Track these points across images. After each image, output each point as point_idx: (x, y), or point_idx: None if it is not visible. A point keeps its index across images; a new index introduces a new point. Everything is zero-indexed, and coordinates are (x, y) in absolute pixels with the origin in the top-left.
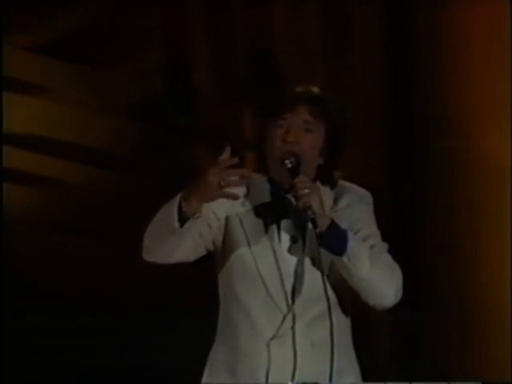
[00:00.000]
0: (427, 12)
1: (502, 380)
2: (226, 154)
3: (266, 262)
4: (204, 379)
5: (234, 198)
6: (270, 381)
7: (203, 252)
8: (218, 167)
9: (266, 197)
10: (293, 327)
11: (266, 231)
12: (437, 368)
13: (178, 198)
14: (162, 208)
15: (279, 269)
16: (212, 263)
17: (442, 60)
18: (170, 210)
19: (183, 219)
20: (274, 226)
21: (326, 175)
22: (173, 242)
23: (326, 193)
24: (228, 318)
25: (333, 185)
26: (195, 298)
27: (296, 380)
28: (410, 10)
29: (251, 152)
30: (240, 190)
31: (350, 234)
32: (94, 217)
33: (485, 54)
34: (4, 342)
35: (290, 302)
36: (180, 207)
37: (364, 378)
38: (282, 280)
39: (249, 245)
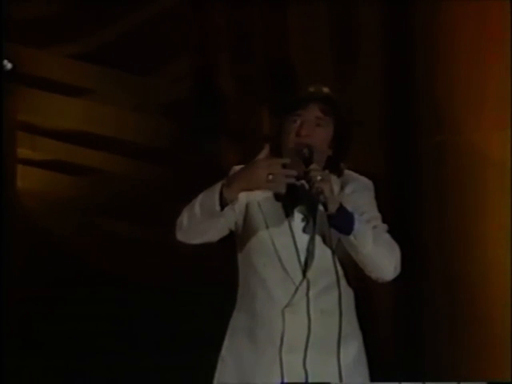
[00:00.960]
0: (421, 11)
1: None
2: (279, 161)
3: (281, 240)
4: (225, 342)
5: (278, 191)
6: (284, 344)
7: (226, 232)
8: (267, 161)
9: None
10: (307, 296)
11: (282, 213)
12: (431, 333)
13: (219, 185)
14: (203, 193)
15: (293, 245)
16: (232, 242)
17: (434, 59)
18: (212, 195)
19: (223, 204)
20: (289, 209)
21: (334, 165)
22: (209, 224)
23: (334, 180)
24: (247, 288)
25: (340, 174)
26: (217, 272)
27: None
28: (404, 11)
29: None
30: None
31: (356, 216)
32: (132, 203)
33: (475, 52)
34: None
35: (302, 274)
36: (221, 193)
37: (366, 344)
38: (295, 255)
39: (266, 225)
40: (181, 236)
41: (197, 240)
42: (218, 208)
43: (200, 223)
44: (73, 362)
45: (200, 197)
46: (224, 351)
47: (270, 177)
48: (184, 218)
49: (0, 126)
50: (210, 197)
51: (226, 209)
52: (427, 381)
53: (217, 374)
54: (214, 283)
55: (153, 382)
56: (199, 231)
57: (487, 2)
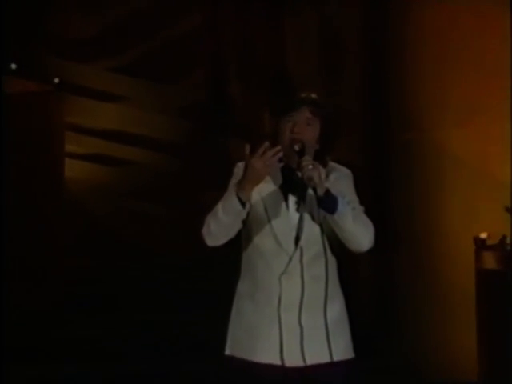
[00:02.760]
0: (392, 27)
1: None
2: (263, 148)
3: (277, 219)
4: (234, 304)
5: (275, 166)
6: (281, 304)
7: (242, 225)
8: (256, 156)
9: (277, 172)
10: (300, 263)
11: (279, 197)
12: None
13: (232, 191)
14: (221, 203)
15: (287, 223)
16: None
17: (403, 69)
18: (232, 200)
19: (242, 203)
20: (285, 193)
21: (321, 157)
22: (234, 223)
23: (321, 170)
24: (249, 261)
25: (325, 164)
26: (226, 249)
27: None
28: (377, 27)
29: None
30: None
31: (339, 199)
32: (158, 189)
33: (438, 59)
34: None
35: (294, 245)
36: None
37: (347, 305)
38: (289, 231)
39: (265, 207)
40: (211, 241)
41: (223, 240)
42: (240, 208)
43: (227, 225)
44: (117, 313)
45: (220, 207)
46: (233, 312)
47: (267, 162)
48: (211, 227)
49: (2, 124)
50: (231, 202)
51: (246, 206)
52: (398, 332)
53: (229, 331)
54: (224, 255)
55: (175, 334)
56: (226, 232)
57: (450, 9)
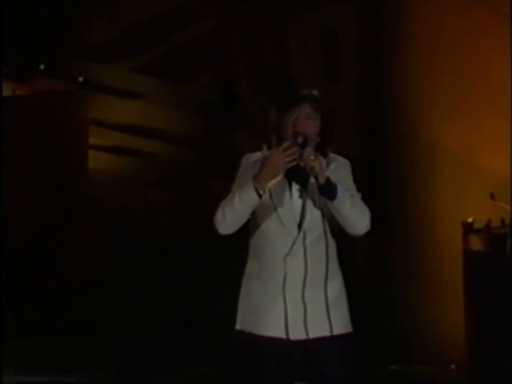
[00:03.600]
0: (387, 31)
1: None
2: (284, 146)
3: (282, 206)
4: (242, 284)
5: (293, 163)
6: (286, 283)
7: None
8: (277, 152)
9: None
10: (303, 245)
11: (284, 186)
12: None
13: (250, 183)
14: (237, 194)
15: (291, 209)
16: None
17: (396, 68)
18: (249, 191)
19: (259, 195)
20: (289, 182)
21: (321, 149)
22: (248, 211)
23: (322, 160)
24: (256, 244)
25: (325, 155)
26: (237, 232)
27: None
28: (373, 30)
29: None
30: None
31: (338, 187)
32: (174, 178)
33: (428, 58)
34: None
35: (297, 229)
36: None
37: (346, 283)
38: (292, 216)
39: (271, 195)
40: (224, 229)
41: (235, 228)
42: (257, 198)
43: (241, 214)
44: (139, 289)
45: (236, 197)
46: (242, 290)
47: (288, 158)
48: (226, 216)
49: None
50: (248, 193)
51: (262, 197)
52: (392, 309)
53: (238, 307)
54: (231, 238)
55: (190, 309)
56: (239, 221)
57: (440, 11)
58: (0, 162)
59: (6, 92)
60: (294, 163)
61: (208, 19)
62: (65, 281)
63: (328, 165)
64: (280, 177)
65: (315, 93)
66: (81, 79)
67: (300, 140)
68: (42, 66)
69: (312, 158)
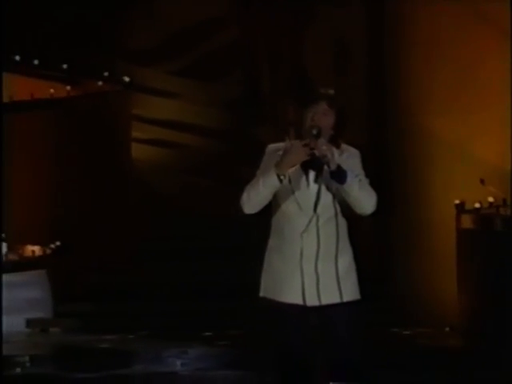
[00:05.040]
0: (390, 33)
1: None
2: (305, 141)
3: (299, 189)
4: (265, 256)
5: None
6: (303, 256)
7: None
8: (299, 145)
9: None
10: (317, 224)
11: (300, 172)
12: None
13: (272, 170)
14: (262, 178)
15: (307, 192)
16: None
17: (398, 68)
18: (272, 176)
19: (280, 179)
20: (305, 169)
21: (335, 140)
22: (270, 194)
23: (335, 150)
24: (277, 222)
25: (338, 146)
26: (261, 213)
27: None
28: (378, 33)
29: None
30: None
31: (348, 173)
32: (207, 166)
33: (428, 56)
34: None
35: (313, 210)
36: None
37: (355, 257)
38: (308, 198)
39: (289, 180)
40: (248, 209)
41: (258, 208)
42: (278, 183)
43: (264, 196)
44: (178, 261)
45: (260, 182)
46: (265, 262)
47: (309, 151)
48: (251, 197)
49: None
50: (271, 178)
51: (283, 182)
52: (394, 280)
53: (262, 277)
54: (256, 217)
55: (221, 278)
56: (262, 202)
57: (436, 21)
58: (0, 164)
59: (62, 93)
60: (311, 156)
61: (234, 26)
62: (116, 253)
63: (340, 154)
64: (298, 165)
65: (331, 91)
66: (126, 81)
67: (315, 131)
68: (93, 70)
69: (324, 147)
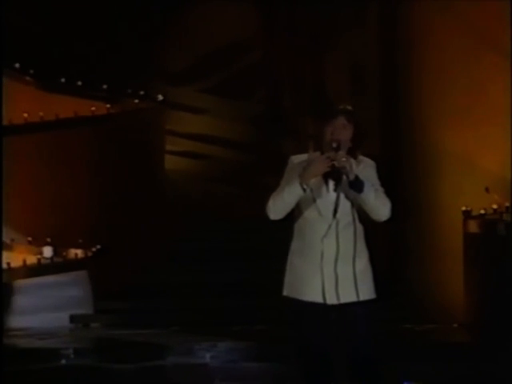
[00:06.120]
0: (401, 54)
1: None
2: (328, 155)
3: (320, 197)
4: (288, 259)
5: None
6: (323, 258)
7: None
8: (322, 158)
9: None
10: (336, 229)
11: (321, 181)
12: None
13: (296, 180)
14: (287, 187)
15: (327, 200)
16: None
17: (411, 87)
18: (296, 186)
19: (303, 188)
20: (325, 178)
21: (353, 153)
22: (294, 202)
23: (352, 162)
24: (299, 227)
25: (356, 157)
26: (286, 219)
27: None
28: (389, 55)
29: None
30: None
31: (365, 182)
32: (233, 175)
33: (438, 74)
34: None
35: (332, 216)
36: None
37: (372, 259)
38: (328, 205)
39: (311, 189)
40: (274, 215)
41: (283, 214)
42: (301, 192)
43: (288, 203)
44: (205, 262)
45: (286, 190)
46: (288, 264)
47: (336, 163)
48: (277, 204)
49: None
50: (295, 187)
51: (306, 191)
52: (407, 280)
53: (285, 278)
54: (279, 222)
55: (246, 279)
56: (286, 209)
57: (444, 43)
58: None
59: (102, 111)
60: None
61: (259, 49)
62: (150, 255)
63: (358, 165)
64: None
65: (349, 107)
66: (160, 99)
67: (335, 145)
68: (130, 90)
69: (343, 159)
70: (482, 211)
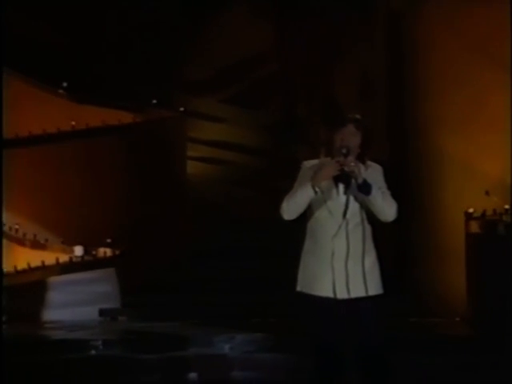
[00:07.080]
0: (406, 66)
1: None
2: (338, 159)
3: (330, 199)
4: (301, 257)
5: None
6: (334, 257)
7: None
8: (332, 163)
9: None
10: (346, 229)
11: (332, 185)
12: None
13: (308, 183)
14: (300, 189)
15: (337, 202)
16: None
17: (416, 95)
18: (308, 188)
19: (315, 191)
20: (335, 182)
21: (361, 158)
22: (306, 203)
23: (361, 166)
24: (311, 228)
25: (364, 162)
26: (298, 220)
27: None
28: (396, 65)
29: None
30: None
31: (373, 185)
32: (250, 180)
33: (440, 85)
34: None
35: (342, 217)
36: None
37: (379, 256)
38: (338, 207)
39: (322, 192)
40: (287, 216)
41: (296, 215)
42: (313, 194)
43: (301, 205)
44: (222, 259)
45: (298, 192)
46: (301, 262)
47: (346, 168)
48: (290, 205)
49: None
50: (307, 190)
51: (317, 193)
52: (412, 277)
53: (298, 274)
54: (291, 223)
55: (260, 275)
56: (299, 210)
57: (446, 58)
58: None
59: (128, 120)
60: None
61: (274, 61)
62: (174, 253)
63: (366, 169)
64: (330, 178)
65: (358, 116)
66: (182, 109)
67: (344, 151)
68: (155, 101)
69: (352, 164)
70: (483, 212)
